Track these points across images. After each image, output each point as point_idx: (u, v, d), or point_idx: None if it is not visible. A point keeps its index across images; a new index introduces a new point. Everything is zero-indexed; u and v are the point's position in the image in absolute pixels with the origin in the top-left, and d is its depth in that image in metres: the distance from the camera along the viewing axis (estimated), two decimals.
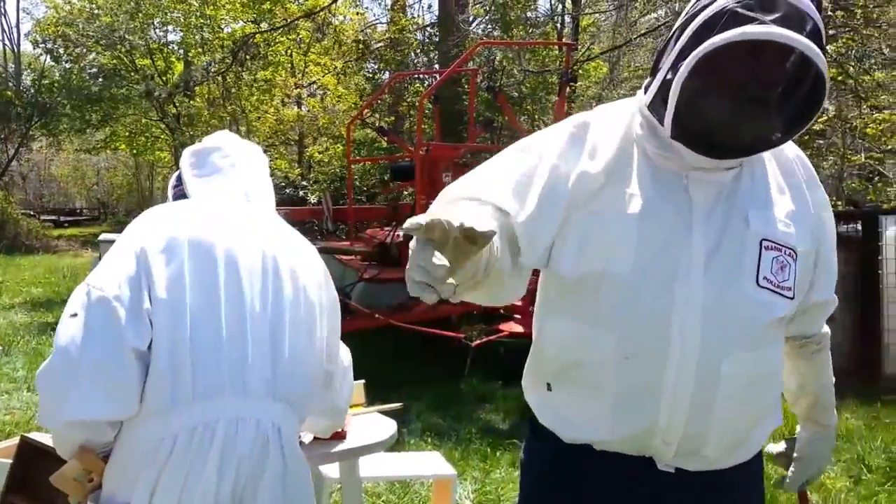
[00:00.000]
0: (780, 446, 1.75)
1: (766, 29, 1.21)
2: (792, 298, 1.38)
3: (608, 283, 1.35)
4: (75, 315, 1.50)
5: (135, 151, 22.48)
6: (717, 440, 1.39)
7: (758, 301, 1.35)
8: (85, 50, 18.64)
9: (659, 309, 1.33)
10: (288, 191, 13.82)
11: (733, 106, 1.27)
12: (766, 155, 1.43)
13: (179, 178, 1.88)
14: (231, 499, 1.48)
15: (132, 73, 18.08)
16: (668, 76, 1.31)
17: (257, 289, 1.60)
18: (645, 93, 1.39)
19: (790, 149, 1.48)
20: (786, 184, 1.44)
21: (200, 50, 17.39)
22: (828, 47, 9.49)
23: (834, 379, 1.68)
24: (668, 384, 1.34)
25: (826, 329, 1.62)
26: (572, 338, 1.41)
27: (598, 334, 1.37)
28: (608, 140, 1.41)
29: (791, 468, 1.70)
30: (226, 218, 1.68)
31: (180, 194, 1.85)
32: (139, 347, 1.48)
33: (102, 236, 12.38)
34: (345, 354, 1.91)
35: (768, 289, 1.35)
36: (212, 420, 1.49)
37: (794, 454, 1.70)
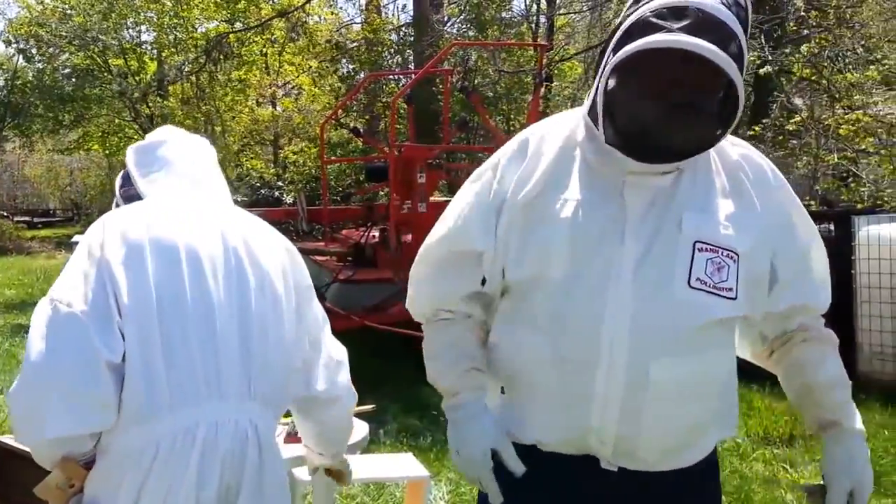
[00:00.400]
0: (811, 489, 1.58)
1: (672, 37, 1.25)
2: (734, 299, 1.37)
3: (542, 289, 1.41)
4: (43, 332, 1.47)
5: (108, 152, 22.23)
6: (649, 443, 1.40)
7: (689, 302, 1.35)
8: (58, 50, 18.44)
9: (590, 314, 1.36)
10: (263, 191, 13.75)
11: (655, 112, 1.31)
12: (712, 157, 1.44)
13: (127, 178, 1.83)
14: (216, 500, 1.49)
15: (105, 74, 17.89)
16: (598, 84, 1.36)
17: (222, 283, 1.57)
18: (586, 99, 1.46)
19: (736, 150, 1.47)
20: (730, 186, 1.43)
21: (174, 50, 17.24)
22: (801, 47, 9.60)
23: (845, 378, 1.57)
24: (599, 387, 1.37)
25: (817, 321, 1.56)
26: (516, 343, 1.47)
27: (535, 339, 1.42)
28: (549, 149, 1.46)
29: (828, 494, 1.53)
30: (182, 212, 1.64)
31: (130, 195, 1.79)
32: (113, 360, 1.46)
33: (75, 238, 12.23)
34: (334, 347, 1.86)
35: (702, 290, 1.35)
36: (191, 425, 1.49)
37: (823, 478, 1.53)
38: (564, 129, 1.48)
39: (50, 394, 1.44)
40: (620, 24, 1.36)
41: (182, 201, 1.69)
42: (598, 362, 1.36)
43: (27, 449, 1.58)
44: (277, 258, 1.70)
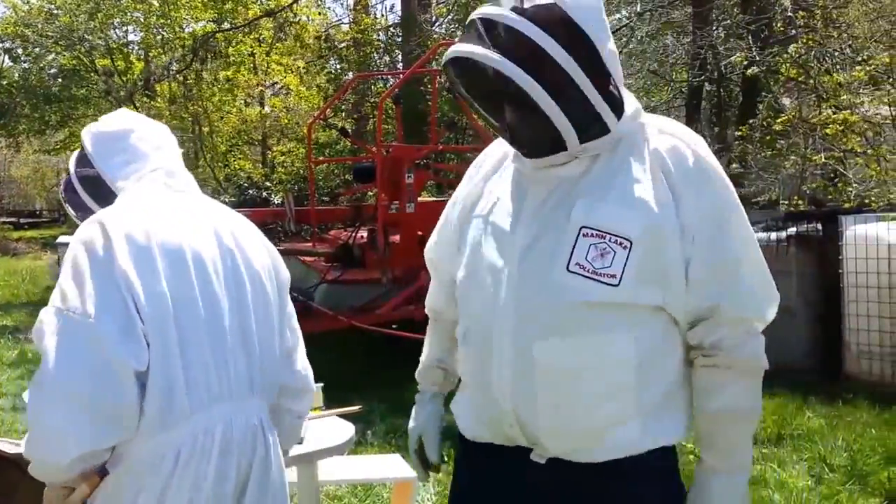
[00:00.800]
0: None
1: (451, 49, 1.38)
2: (616, 286, 1.36)
3: (462, 279, 1.53)
4: (61, 345, 1.41)
5: None
6: (548, 428, 1.40)
7: (564, 286, 1.37)
8: (44, 50, 18.31)
9: (485, 302, 1.44)
10: (251, 192, 13.69)
11: (492, 113, 1.43)
12: (640, 145, 1.43)
13: (84, 159, 1.77)
14: (234, 494, 1.54)
15: (92, 74, 17.79)
16: None
17: (223, 283, 1.59)
18: None
19: (667, 140, 1.44)
20: (647, 174, 1.41)
21: (161, 50, 17.16)
22: (789, 48, 9.63)
23: (742, 412, 1.43)
24: (494, 374, 1.43)
25: (734, 348, 1.42)
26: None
27: (458, 325, 1.54)
28: (491, 157, 1.60)
29: None
30: (178, 211, 1.63)
31: (88, 176, 1.76)
32: (139, 369, 1.44)
33: (60, 238, 12.17)
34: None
35: (580, 274, 1.36)
36: (210, 426, 1.52)
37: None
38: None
39: (76, 412, 1.40)
40: None
41: (172, 199, 1.66)
42: (492, 349, 1.42)
43: (12, 452, 1.56)
44: (264, 255, 1.72)
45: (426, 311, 1.77)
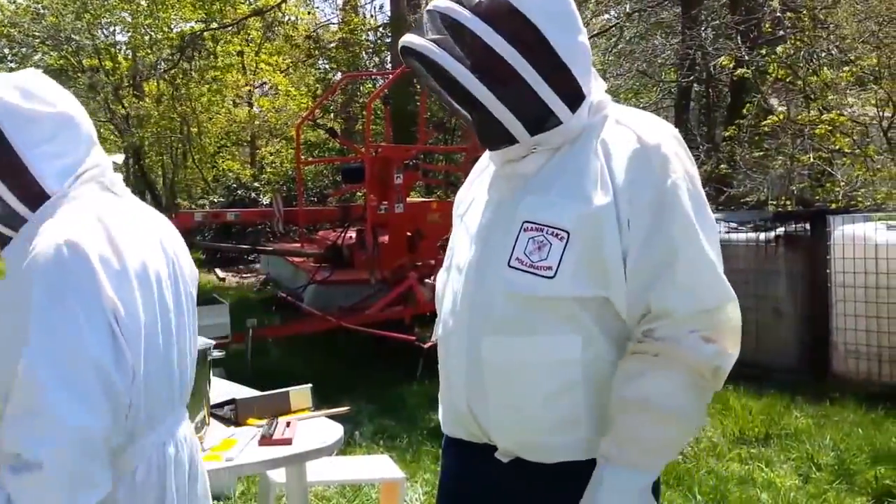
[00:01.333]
0: None
1: (402, 39, 1.40)
2: (552, 278, 1.34)
3: (440, 279, 1.58)
4: (71, 388, 1.29)
5: None
6: (499, 426, 1.41)
7: (505, 281, 1.38)
8: (31, 50, 18.16)
9: (451, 297, 1.48)
10: (240, 192, 13.66)
11: (446, 102, 1.47)
12: (593, 139, 1.40)
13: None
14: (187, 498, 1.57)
15: (79, 74, 17.65)
16: None
17: (171, 296, 1.54)
18: None
19: (616, 130, 1.40)
20: (592, 167, 1.37)
21: (149, 50, 17.07)
22: (777, 48, 9.66)
23: (662, 410, 1.32)
24: (451, 365, 1.47)
25: (666, 338, 1.32)
26: None
27: (438, 327, 1.56)
28: (481, 165, 1.62)
29: None
30: (131, 222, 1.51)
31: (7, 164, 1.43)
32: (126, 396, 1.38)
33: None
34: None
35: (519, 269, 1.37)
36: (159, 442, 1.52)
37: None
38: None
39: (96, 455, 1.31)
40: None
41: (120, 207, 1.52)
42: (450, 343, 1.47)
43: None
44: (190, 263, 1.68)
45: None
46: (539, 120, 1.38)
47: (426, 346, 5.37)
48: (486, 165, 1.60)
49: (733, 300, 1.37)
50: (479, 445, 1.47)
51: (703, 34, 11.24)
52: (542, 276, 1.35)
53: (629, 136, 1.38)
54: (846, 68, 9.00)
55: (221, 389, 2.60)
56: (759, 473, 4.16)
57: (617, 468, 1.32)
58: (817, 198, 8.57)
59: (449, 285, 1.52)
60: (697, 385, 1.33)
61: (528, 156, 1.43)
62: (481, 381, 1.41)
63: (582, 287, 1.35)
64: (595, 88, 1.43)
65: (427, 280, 6.28)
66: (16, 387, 1.29)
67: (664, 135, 1.39)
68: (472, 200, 1.55)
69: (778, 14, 9.98)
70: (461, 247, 1.51)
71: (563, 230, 1.34)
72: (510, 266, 1.38)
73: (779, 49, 9.54)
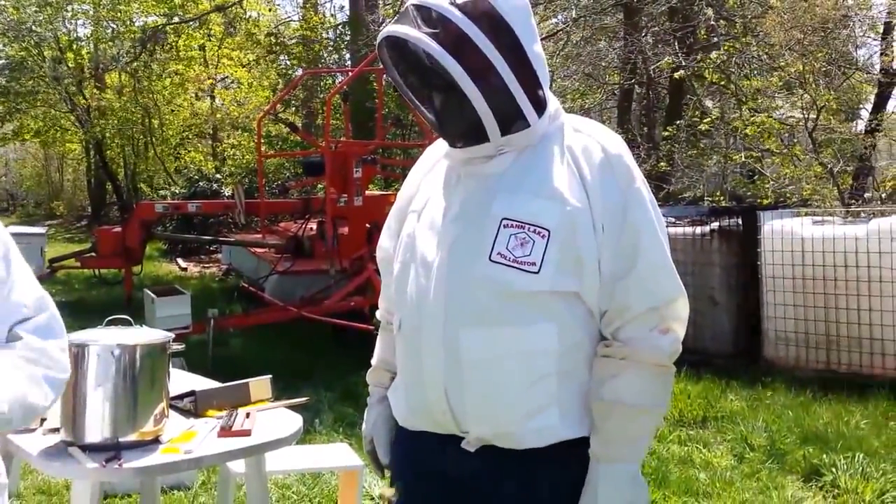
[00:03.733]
0: None
1: (387, 29, 1.37)
2: (536, 273, 1.35)
3: (396, 273, 1.52)
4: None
5: (44, 144, 21.18)
6: (476, 415, 1.40)
7: (487, 275, 1.37)
8: None
9: (419, 294, 1.44)
10: (201, 183, 13.32)
11: (420, 100, 1.43)
12: (555, 141, 1.43)
13: None
14: None
15: (40, 65, 16.98)
16: None
17: None
18: None
19: (580, 138, 1.44)
20: (562, 169, 1.41)
21: (111, 43, 16.52)
22: (711, 54, 9.80)
23: (635, 407, 1.37)
24: (424, 357, 1.42)
25: (629, 340, 1.38)
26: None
27: (395, 316, 1.52)
28: (430, 158, 1.59)
29: None
30: None
31: None
32: None
33: (9, 229, 11.63)
34: None
35: (501, 263, 1.36)
36: None
37: None
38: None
39: None
40: None
41: None
42: (422, 339, 1.42)
43: None
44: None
45: (378, 316, 1.73)
46: (511, 120, 1.39)
47: None
48: (433, 163, 1.56)
49: (684, 295, 1.44)
50: (444, 436, 1.44)
51: (644, 40, 11.33)
52: (527, 272, 1.35)
53: (594, 145, 1.42)
54: (775, 74, 9.16)
55: (181, 381, 2.48)
56: (697, 454, 4.18)
57: (608, 466, 1.39)
58: (749, 194, 8.71)
59: (410, 282, 1.47)
60: (662, 374, 1.42)
61: (495, 157, 1.43)
62: (459, 371, 1.39)
63: (561, 283, 1.37)
64: (550, 97, 1.46)
65: None
66: None
67: (622, 145, 1.45)
68: (429, 197, 1.51)
69: (712, 22, 10.12)
70: (425, 243, 1.46)
71: (544, 228, 1.36)
72: (491, 260, 1.37)
73: (713, 55, 9.67)
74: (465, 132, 1.40)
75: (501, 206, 1.39)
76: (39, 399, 1.39)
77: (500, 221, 1.38)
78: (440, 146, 1.57)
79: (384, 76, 8.89)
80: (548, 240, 1.36)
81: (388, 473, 1.64)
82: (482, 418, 1.39)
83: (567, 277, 1.37)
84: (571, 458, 1.41)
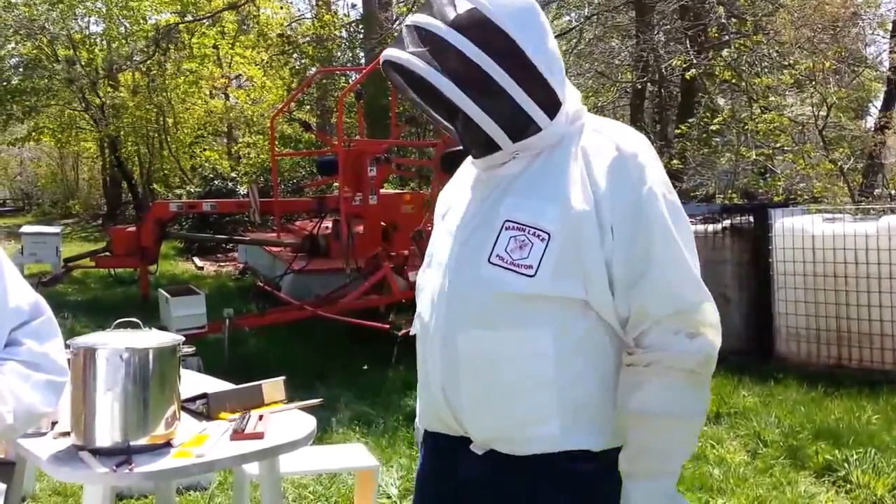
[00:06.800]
0: None
1: (384, 53, 1.36)
2: (532, 276, 1.31)
3: (419, 279, 1.52)
4: None
5: (59, 143, 21.23)
6: (472, 416, 1.38)
7: (484, 277, 1.35)
8: (3, 40, 17.41)
9: (429, 295, 1.44)
10: (216, 182, 13.32)
11: (427, 115, 1.44)
12: (572, 144, 1.38)
13: None
14: None
15: (54, 64, 16.97)
16: None
17: None
18: None
19: (598, 140, 1.38)
20: (574, 173, 1.35)
21: (124, 41, 16.49)
22: (722, 52, 9.69)
23: (664, 417, 1.29)
24: (427, 358, 1.42)
25: (652, 346, 1.31)
26: None
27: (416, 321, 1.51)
28: (464, 167, 1.56)
29: None
30: None
31: None
32: None
33: (24, 228, 11.71)
34: None
35: (499, 265, 1.34)
36: None
37: None
38: None
39: None
40: None
41: None
42: (427, 340, 1.42)
43: None
44: None
45: None
46: (520, 127, 1.35)
47: (400, 333, 5.24)
48: (467, 170, 1.55)
49: (709, 300, 1.35)
50: (456, 438, 1.43)
51: (656, 38, 11.23)
52: (523, 274, 1.32)
53: (608, 145, 1.36)
54: (785, 71, 9.05)
55: (194, 383, 2.44)
56: (711, 451, 4.13)
57: (639, 483, 1.32)
58: (761, 191, 8.61)
59: (427, 285, 1.47)
60: (693, 381, 1.32)
61: (509, 161, 1.41)
62: (456, 372, 1.37)
63: (560, 287, 1.32)
64: (570, 97, 1.40)
65: (403, 269, 6.15)
66: None
67: (640, 144, 1.38)
68: (453, 203, 1.50)
69: (723, 20, 10.01)
70: (441, 245, 1.46)
71: (544, 231, 1.32)
72: (490, 262, 1.34)
73: (724, 53, 9.56)
74: (479, 143, 1.39)
75: (507, 209, 1.37)
76: (43, 405, 1.38)
77: (503, 223, 1.36)
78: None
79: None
80: (547, 243, 1.31)
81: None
82: (479, 421, 1.38)
83: (567, 282, 1.31)
84: (576, 471, 1.34)
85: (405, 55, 1.33)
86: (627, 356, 1.33)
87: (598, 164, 1.34)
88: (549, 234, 1.31)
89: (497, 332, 1.34)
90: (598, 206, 1.31)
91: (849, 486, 3.65)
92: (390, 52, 1.35)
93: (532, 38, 1.33)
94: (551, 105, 1.35)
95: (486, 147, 1.39)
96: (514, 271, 1.32)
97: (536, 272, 1.31)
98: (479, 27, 1.30)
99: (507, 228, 1.35)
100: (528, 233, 1.32)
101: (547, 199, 1.34)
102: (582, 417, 1.34)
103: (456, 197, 1.51)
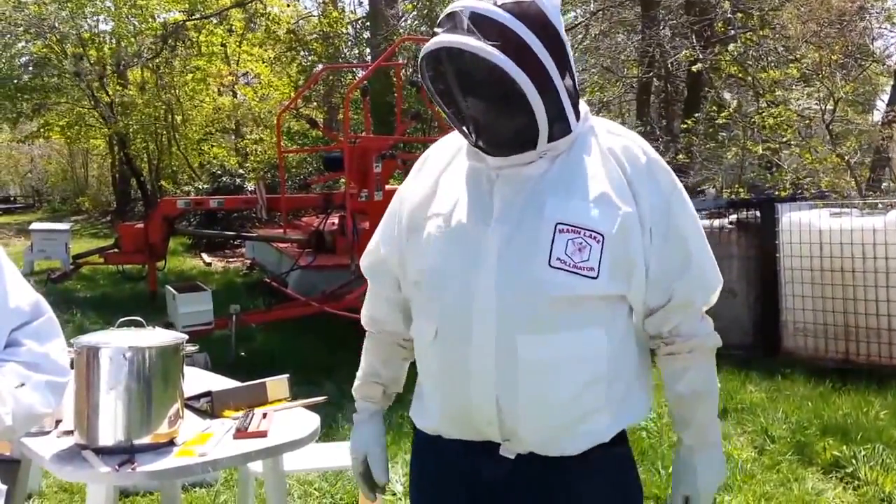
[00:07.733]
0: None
1: (433, 40, 1.28)
2: (595, 278, 1.33)
3: (426, 278, 1.43)
4: None
5: (69, 140, 21.26)
6: (529, 420, 1.36)
7: (548, 281, 1.33)
8: (13, 38, 17.43)
9: (462, 296, 1.37)
10: (224, 179, 13.32)
11: (458, 109, 1.33)
12: (592, 145, 1.41)
13: None
14: None
15: (63, 62, 16.99)
16: None
17: None
18: None
19: (619, 140, 1.42)
20: (604, 173, 1.38)
21: (133, 40, 16.50)
22: (729, 46, 9.63)
23: (704, 391, 1.47)
24: (473, 363, 1.36)
25: (690, 334, 1.44)
26: (417, 332, 1.49)
27: (425, 325, 1.44)
28: (440, 160, 1.50)
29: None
30: None
31: None
32: None
33: (34, 225, 11.75)
34: None
35: (562, 269, 1.33)
36: None
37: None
38: (456, 139, 1.49)
39: None
40: None
41: None
42: (471, 339, 1.35)
43: None
44: None
45: (362, 323, 1.70)
46: (557, 126, 1.35)
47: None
48: (446, 164, 1.49)
49: (721, 283, 1.50)
50: (475, 443, 1.41)
51: (662, 33, 11.16)
52: (586, 277, 1.33)
53: (636, 148, 1.42)
54: (791, 65, 8.98)
55: (199, 381, 2.42)
56: None
57: (703, 452, 1.47)
58: (767, 185, 8.55)
59: (448, 288, 1.39)
60: (713, 357, 1.50)
61: (535, 161, 1.38)
62: (514, 380, 1.34)
63: (614, 286, 1.36)
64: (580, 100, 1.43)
65: None
66: None
67: (649, 145, 1.46)
68: (457, 200, 1.42)
69: (729, 15, 9.92)
70: (457, 247, 1.40)
71: (598, 233, 1.34)
72: (551, 266, 1.33)
73: (730, 47, 9.49)
74: (510, 141, 1.35)
75: (554, 211, 1.35)
76: (42, 406, 1.37)
77: (555, 226, 1.34)
78: (449, 146, 1.51)
79: (403, 72, 8.82)
80: (602, 244, 1.34)
81: (386, 491, 1.61)
82: (535, 423, 1.36)
83: (618, 281, 1.36)
84: (610, 459, 1.42)
85: (479, 44, 1.24)
86: (665, 346, 1.44)
87: (631, 167, 1.38)
88: (602, 236, 1.33)
89: (558, 334, 1.33)
90: (638, 205, 1.36)
91: (857, 482, 3.62)
92: (456, 40, 1.26)
93: (565, 38, 1.34)
94: (577, 107, 1.38)
95: (516, 145, 1.35)
96: (579, 274, 1.33)
97: (598, 274, 1.33)
98: (531, 17, 1.27)
99: (560, 231, 1.33)
100: (584, 235, 1.33)
101: (594, 201, 1.35)
102: (622, 407, 1.40)
103: (457, 194, 1.43)
